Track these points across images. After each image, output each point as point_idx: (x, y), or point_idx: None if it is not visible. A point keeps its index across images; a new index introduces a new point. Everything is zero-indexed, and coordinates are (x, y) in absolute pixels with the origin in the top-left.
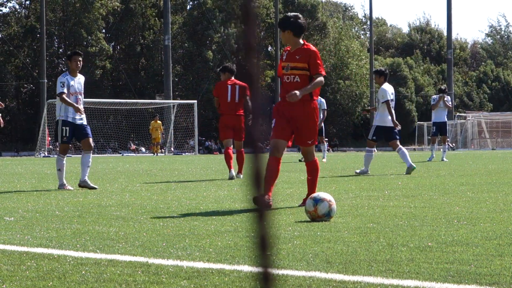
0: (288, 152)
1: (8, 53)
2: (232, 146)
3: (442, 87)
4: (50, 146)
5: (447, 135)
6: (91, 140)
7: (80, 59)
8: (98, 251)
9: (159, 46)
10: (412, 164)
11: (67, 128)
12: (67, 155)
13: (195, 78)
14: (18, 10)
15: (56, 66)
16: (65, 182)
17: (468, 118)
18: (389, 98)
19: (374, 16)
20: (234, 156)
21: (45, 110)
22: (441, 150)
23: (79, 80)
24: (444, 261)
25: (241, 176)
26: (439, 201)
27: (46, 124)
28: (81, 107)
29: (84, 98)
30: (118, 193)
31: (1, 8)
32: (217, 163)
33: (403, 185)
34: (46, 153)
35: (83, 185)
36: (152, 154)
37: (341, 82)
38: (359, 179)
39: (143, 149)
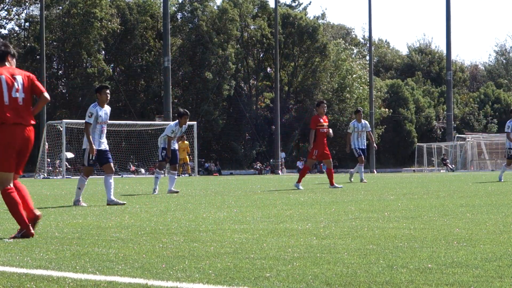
0: (289, 173)
1: None
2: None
3: None
4: (50, 168)
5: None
6: (112, 164)
7: (108, 91)
8: (97, 272)
9: (159, 67)
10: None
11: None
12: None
13: (194, 99)
14: (18, 32)
15: (55, 87)
16: (80, 199)
17: (467, 139)
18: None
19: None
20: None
21: (44, 132)
22: None
23: (105, 111)
24: (444, 282)
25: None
26: (438, 223)
27: (45, 146)
28: (103, 134)
29: (82, 119)
30: (118, 214)
31: (0, 30)
32: (216, 185)
33: (402, 207)
34: (45, 175)
35: (111, 203)
36: (182, 175)
37: (340, 103)
38: (359, 200)
39: (142, 170)
